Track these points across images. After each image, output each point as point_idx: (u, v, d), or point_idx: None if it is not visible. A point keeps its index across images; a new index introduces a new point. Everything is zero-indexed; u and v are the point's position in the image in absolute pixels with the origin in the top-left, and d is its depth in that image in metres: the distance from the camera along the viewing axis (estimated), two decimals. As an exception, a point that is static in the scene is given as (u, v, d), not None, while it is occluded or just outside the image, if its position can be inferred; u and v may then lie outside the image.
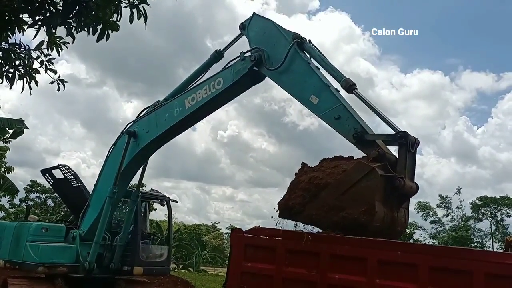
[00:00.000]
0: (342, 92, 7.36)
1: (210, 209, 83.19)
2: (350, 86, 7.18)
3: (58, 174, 12.02)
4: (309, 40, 7.92)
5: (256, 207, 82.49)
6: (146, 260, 11.38)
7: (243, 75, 8.33)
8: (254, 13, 8.76)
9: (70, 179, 11.87)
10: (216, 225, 55.63)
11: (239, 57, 8.40)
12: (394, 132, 6.64)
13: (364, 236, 6.00)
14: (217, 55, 9.53)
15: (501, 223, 45.95)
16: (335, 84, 7.42)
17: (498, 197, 46.77)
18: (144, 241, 11.66)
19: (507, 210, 46.04)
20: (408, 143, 6.47)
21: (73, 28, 5.02)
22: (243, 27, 8.77)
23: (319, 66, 7.69)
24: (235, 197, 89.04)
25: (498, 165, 71.56)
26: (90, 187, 11.48)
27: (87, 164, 78.59)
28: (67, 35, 5.17)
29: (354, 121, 6.83)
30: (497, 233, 45.47)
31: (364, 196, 6.15)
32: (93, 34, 4.98)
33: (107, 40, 5.03)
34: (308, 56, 7.80)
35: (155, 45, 79.77)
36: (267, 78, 8.36)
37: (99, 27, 4.94)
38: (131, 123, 10.17)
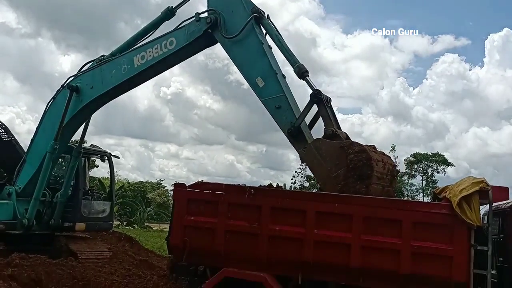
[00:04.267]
0: (294, 78, 7.52)
1: (155, 167, 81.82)
2: (302, 73, 7.34)
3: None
4: (268, 16, 7.82)
5: (201, 164, 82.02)
6: (88, 216, 11.26)
7: (197, 37, 8.07)
8: None
9: (0, 133, 11.31)
10: (161, 182, 55.11)
11: (194, 18, 8.07)
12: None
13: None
14: (169, 13, 9.11)
15: (431, 178, 49.20)
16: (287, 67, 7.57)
17: (430, 153, 49.90)
18: (86, 197, 11.48)
19: (437, 166, 49.30)
20: (323, 98, 7.06)
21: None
22: None
23: (272, 46, 7.66)
24: (180, 155, 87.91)
25: (430, 124, 75.46)
26: (26, 143, 11.00)
27: (22, 119, 73.94)
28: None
29: (292, 115, 7.03)
30: (427, 187, 48.73)
31: (334, 150, 6.50)
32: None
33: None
34: (264, 32, 7.72)
35: (94, -5, 74.52)
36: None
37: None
38: (73, 77, 9.70)
